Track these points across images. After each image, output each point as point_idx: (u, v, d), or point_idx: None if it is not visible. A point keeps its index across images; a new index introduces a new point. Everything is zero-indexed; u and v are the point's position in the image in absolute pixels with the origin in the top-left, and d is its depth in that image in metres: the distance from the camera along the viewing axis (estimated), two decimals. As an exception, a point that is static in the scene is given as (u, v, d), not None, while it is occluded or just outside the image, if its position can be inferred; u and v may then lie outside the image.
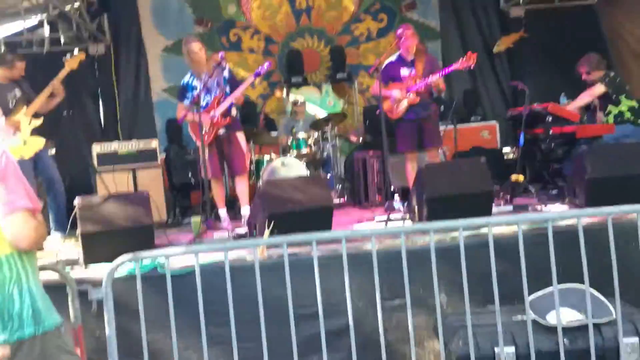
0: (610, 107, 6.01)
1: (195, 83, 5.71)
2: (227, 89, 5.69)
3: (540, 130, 6.11)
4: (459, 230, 2.84)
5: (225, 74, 5.75)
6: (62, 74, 5.55)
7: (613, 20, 8.34)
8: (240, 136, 5.86)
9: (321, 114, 8.36)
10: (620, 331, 2.78)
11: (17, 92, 5.51)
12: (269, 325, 2.85)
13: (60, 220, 5.60)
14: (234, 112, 5.80)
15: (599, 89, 5.99)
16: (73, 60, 5.59)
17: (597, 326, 2.86)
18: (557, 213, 4.01)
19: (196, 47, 5.65)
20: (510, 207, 5.29)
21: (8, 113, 5.31)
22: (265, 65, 5.70)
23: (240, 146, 5.82)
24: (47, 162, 5.67)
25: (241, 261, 3.90)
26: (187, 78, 5.78)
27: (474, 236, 3.90)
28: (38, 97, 5.46)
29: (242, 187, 5.83)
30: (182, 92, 5.80)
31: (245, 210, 5.67)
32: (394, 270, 3.32)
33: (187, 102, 5.72)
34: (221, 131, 5.68)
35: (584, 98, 6.11)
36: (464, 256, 2.77)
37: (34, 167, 5.42)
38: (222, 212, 5.84)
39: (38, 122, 5.39)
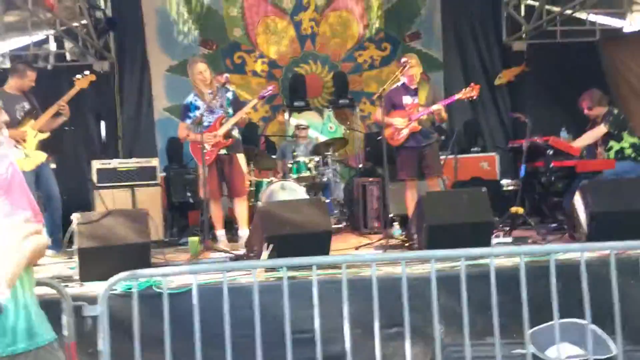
0: (612, 143, 6.04)
1: (199, 103, 5.72)
2: (230, 111, 5.70)
3: (540, 163, 6.12)
4: (459, 259, 2.82)
5: (229, 95, 5.77)
6: (71, 93, 5.59)
7: (614, 58, 8.43)
8: (241, 158, 5.86)
9: (322, 138, 8.38)
10: (621, 368, 2.75)
11: (26, 105, 5.55)
12: (263, 348, 2.81)
13: (54, 237, 5.56)
14: (235, 133, 5.80)
15: (601, 130, 6.02)
16: (83, 81, 5.63)
17: (597, 362, 2.84)
18: (561, 246, 3.99)
19: (202, 67, 5.68)
20: (509, 239, 5.27)
21: (15, 124, 5.35)
22: (270, 88, 5.74)
23: (241, 168, 5.82)
24: (49, 178, 5.67)
25: (237, 283, 3.87)
26: (190, 98, 5.80)
27: (473, 266, 3.87)
28: (45, 113, 5.50)
29: (241, 209, 5.81)
30: (185, 111, 5.81)
31: (244, 232, 5.64)
32: (391, 298, 3.29)
33: (189, 121, 5.73)
34: (222, 152, 5.68)
35: (587, 139, 6.15)
36: (462, 286, 2.74)
37: (35, 180, 5.42)
38: (220, 233, 5.81)
39: (44, 135, 5.44)
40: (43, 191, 5.62)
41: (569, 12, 8.23)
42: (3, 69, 5.97)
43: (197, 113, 5.62)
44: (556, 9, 8.27)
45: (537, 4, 8.33)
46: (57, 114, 5.57)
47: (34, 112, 5.51)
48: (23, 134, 5.32)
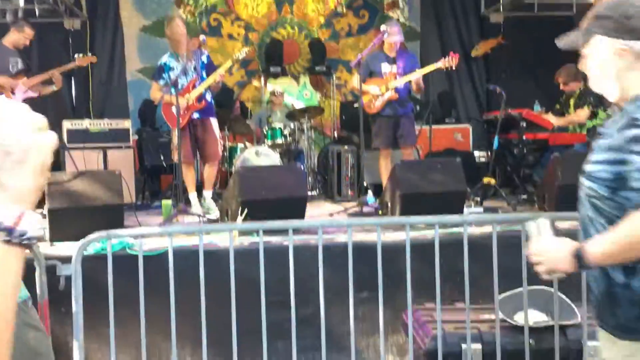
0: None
1: (173, 64, 5.63)
2: (204, 74, 5.63)
3: (513, 135, 6.19)
4: (433, 226, 2.86)
5: (204, 59, 5.69)
6: (67, 67, 5.83)
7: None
8: (214, 122, 5.80)
9: (298, 105, 8.33)
10: (585, 334, 2.84)
11: (20, 62, 5.65)
12: (236, 310, 2.84)
13: None
14: (208, 97, 5.73)
15: (585, 113, 6.10)
16: (83, 60, 5.93)
17: (562, 328, 2.91)
18: (532, 215, 4.06)
19: (179, 21, 5.66)
20: (480, 209, 5.35)
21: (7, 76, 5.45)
22: (245, 49, 5.70)
23: (214, 132, 5.76)
24: None
25: (212, 246, 3.87)
26: (165, 58, 5.70)
27: (443, 234, 3.94)
28: (36, 76, 5.66)
29: (209, 173, 5.78)
30: (159, 71, 5.71)
31: (207, 194, 5.65)
32: (361, 263, 3.33)
33: (162, 82, 5.65)
34: (195, 115, 5.62)
35: (569, 122, 6.26)
36: (435, 253, 2.79)
37: None
38: (193, 196, 5.77)
39: (34, 94, 5.48)
40: None
41: (547, -16, 8.24)
42: None
43: (172, 74, 5.53)
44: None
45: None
46: (49, 82, 5.63)
47: (26, 72, 5.59)
48: (16, 84, 5.34)
